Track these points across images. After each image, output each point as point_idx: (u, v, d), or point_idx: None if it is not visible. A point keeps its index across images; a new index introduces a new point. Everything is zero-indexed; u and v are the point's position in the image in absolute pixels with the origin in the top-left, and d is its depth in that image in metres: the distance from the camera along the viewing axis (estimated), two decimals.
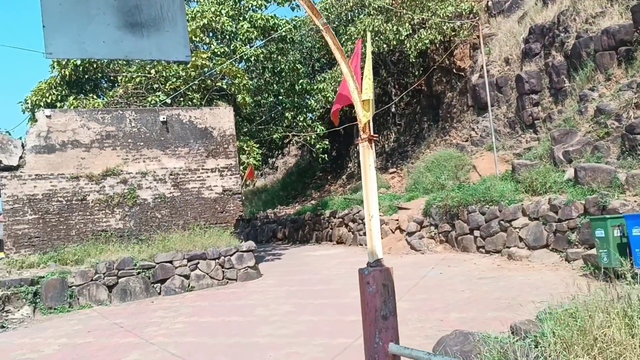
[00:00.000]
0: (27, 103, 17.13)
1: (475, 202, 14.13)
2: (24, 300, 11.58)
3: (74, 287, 12.16)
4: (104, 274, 12.45)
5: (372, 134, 3.62)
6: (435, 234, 15.77)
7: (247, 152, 16.11)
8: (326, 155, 21.08)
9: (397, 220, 17.14)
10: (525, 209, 12.60)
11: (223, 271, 13.60)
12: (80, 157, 13.90)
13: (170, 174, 14.73)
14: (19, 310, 11.31)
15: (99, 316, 11.05)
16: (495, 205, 13.50)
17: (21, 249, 13.12)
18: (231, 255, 13.75)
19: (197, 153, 15.07)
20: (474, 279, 10.76)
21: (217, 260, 13.52)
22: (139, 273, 12.74)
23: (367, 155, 3.63)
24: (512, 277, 10.57)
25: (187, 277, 13.18)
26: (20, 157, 13.31)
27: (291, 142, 35.84)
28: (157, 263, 13.02)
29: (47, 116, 13.64)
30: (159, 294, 12.92)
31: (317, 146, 19.76)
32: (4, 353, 8.53)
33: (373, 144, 3.65)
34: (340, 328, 8.09)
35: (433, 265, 12.98)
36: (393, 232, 17.20)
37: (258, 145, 16.86)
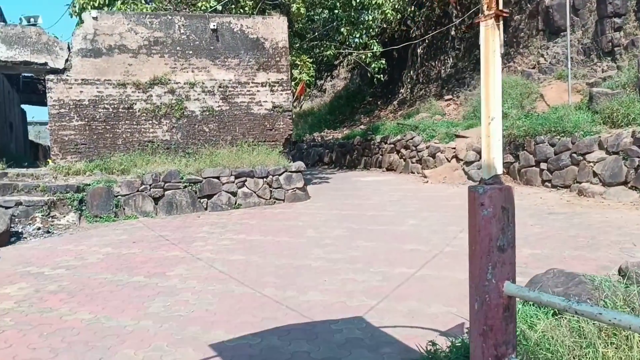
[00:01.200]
0: (75, 6, 16.43)
1: (544, 133, 12.97)
2: (70, 207, 11.37)
3: (119, 196, 11.88)
4: (150, 185, 12.10)
5: (500, 9, 2.71)
6: None
7: (299, 67, 15.16)
8: (382, 75, 19.88)
9: (454, 148, 16.16)
10: (603, 141, 11.42)
11: (271, 191, 13.08)
12: (127, 64, 13.27)
13: (219, 86, 14.00)
14: (64, 217, 11.11)
15: (145, 227, 10.75)
16: (568, 136, 12.34)
17: (67, 156, 12.84)
18: (279, 174, 13.16)
19: (247, 65, 14.22)
20: (543, 214, 9.87)
21: (264, 179, 12.97)
22: (185, 187, 12.34)
23: (491, 38, 2.73)
24: (587, 214, 9.63)
25: (234, 194, 12.73)
26: (67, 60, 12.76)
27: (342, 64, 34.50)
28: (204, 178, 12.57)
29: (93, 18, 12.94)
30: (205, 209, 12.55)
31: (373, 65, 18.55)
32: (48, 258, 8.28)
33: (501, 23, 2.74)
34: (399, 257, 7.44)
35: None
36: (449, 161, 16.26)
37: (310, 60, 15.86)
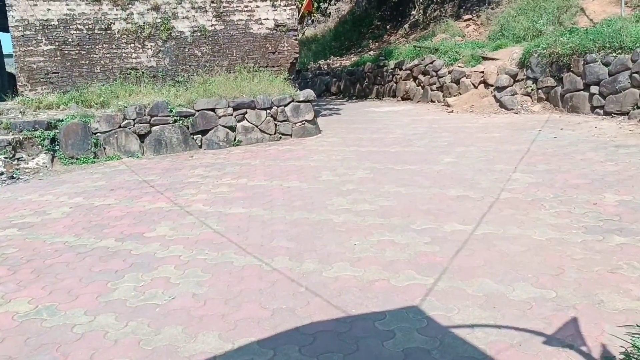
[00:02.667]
0: None
1: (597, 50, 10.98)
2: (40, 147, 9.64)
3: (98, 134, 10.12)
4: (134, 120, 10.31)
5: None
6: (532, 89, 12.83)
7: None
8: None
9: (482, 72, 14.18)
10: None
11: (276, 124, 11.27)
12: None
13: (212, 1, 11.92)
14: (33, 159, 9.40)
15: (128, 170, 9.07)
16: (627, 53, 10.37)
17: (37, 87, 10.99)
18: (285, 105, 11.32)
19: None
20: (609, 147, 8.10)
21: (268, 111, 11.15)
22: (175, 121, 10.55)
23: None
24: None
25: (232, 128, 10.94)
26: None
27: None
28: (197, 110, 10.75)
29: None
30: (200, 147, 10.82)
31: None
32: (1, 213, 6.64)
33: None
34: (444, 206, 5.76)
35: (539, 128, 10.29)
36: (476, 87, 14.32)
37: None
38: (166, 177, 8.31)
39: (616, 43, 10.60)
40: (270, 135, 11.22)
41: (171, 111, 10.50)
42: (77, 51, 11.09)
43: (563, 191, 6.04)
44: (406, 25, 27.37)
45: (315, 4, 14.03)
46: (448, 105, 14.39)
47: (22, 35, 10.72)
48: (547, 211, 5.39)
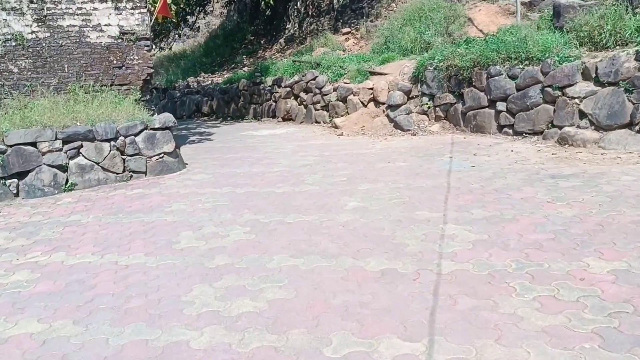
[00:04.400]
0: None
1: (502, 61, 9.68)
2: None
3: None
4: None
5: None
6: (429, 107, 11.36)
7: None
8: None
9: (372, 89, 12.55)
10: (590, 69, 8.32)
11: (124, 159, 8.68)
12: None
13: (31, 1, 9.08)
14: None
15: None
16: (536, 64, 9.13)
17: None
18: (136, 134, 8.77)
19: None
20: (544, 179, 6.56)
21: (113, 143, 8.53)
22: None
23: None
24: (605, 175, 6.45)
25: (63, 168, 8.19)
26: None
27: None
28: (10, 146, 7.88)
29: None
30: (16, 195, 7.95)
31: None
32: None
33: None
34: (370, 298, 3.74)
35: (448, 154, 8.68)
36: (366, 105, 12.66)
37: None
38: None
39: (522, 53, 9.34)
40: (117, 174, 8.60)
41: None
42: None
43: (525, 256, 4.23)
44: (282, 40, 25.66)
45: (174, 8, 11.54)
46: (336, 127, 12.57)
47: None
48: (522, 299, 3.52)
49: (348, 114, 12.93)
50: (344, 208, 6.00)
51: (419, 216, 5.47)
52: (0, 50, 8.94)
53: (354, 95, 12.89)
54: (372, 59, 14.06)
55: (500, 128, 9.72)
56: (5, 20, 8.94)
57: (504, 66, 9.61)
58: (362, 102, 12.68)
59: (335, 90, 13.54)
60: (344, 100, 13.17)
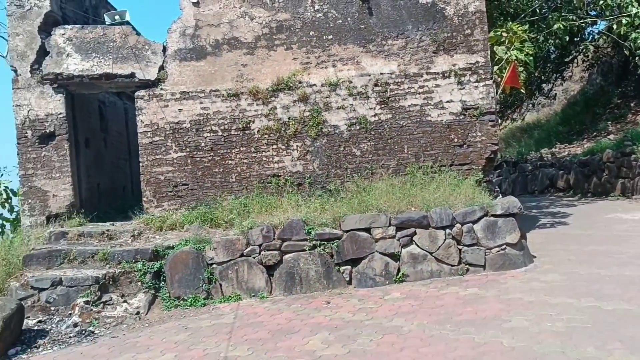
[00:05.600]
0: None
1: None
2: (139, 284, 7.40)
3: (214, 265, 7.59)
4: (259, 245, 7.61)
5: None
6: None
7: (505, 41, 9.40)
8: None
9: None
10: None
11: (460, 250, 7.59)
12: (240, 64, 9.13)
13: (375, 84, 9.06)
14: (126, 301, 7.15)
15: (228, 326, 6.22)
16: None
17: (164, 202, 9.07)
18: (474, 221, 7.61)
19: (418, 47, 9.05)
20: None
21: (448, 230, 7.57)
22: (314, 247, 7.57)
23: None
24: None
25: (395, 257, 7.56)
26: (161, 68, 9.10)
27: (575, 61, 26.78)
28: (345, 231, 7.66)
29: (193, 3, 9.13)
30: (349, 282, 7.62)
31: (633, 36, 11.62)
32: None
33: None
34: None
35: None
36: None
37: (526, 29, 9.85)
38: (262, 350, 5.21)
39: None
40: (452, 266, 7.53)
41: (309, 233, 7.58)
42: (209, 157, 9.06)
43: None
44: None
45: (522, 77, 10.21)
46: None
47: (151, 142, 9.08)
48: None
49: None
50: None
51: None
52: (346, 134, 9.10)
53: None
54: None
55: None
56: (352, 105, 9.09)
57: None
58: None
59: None
60: None
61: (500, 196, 9.04)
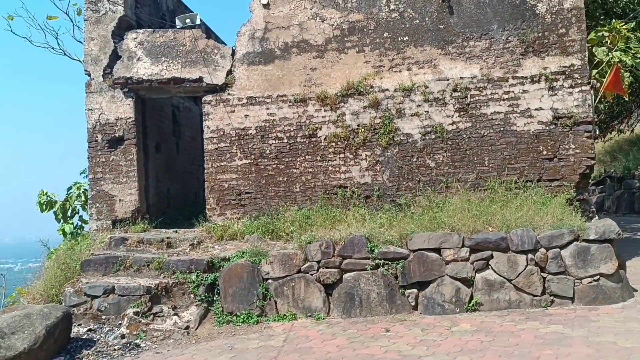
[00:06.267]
0: None
1: None
2: (192, 296, 7.09)
3: (270, 280, 7.14)
4: (317, 262, 7.08)
5: None
6: None
7: (606, 41, 8.24)
8: None
9: None
10: None
11: (544, 278, 6.64)
12: (309, 68, 8.68)
13: (454, 90, 8.26)
14: (176, 314, 6.85)
15: (295, 348, 5.73)
16: None
17: (227, 210, 8.76)
18: (562, 246, 6.64)
19: (503, 49, 8.15)
20: None
21: (530, 256, 6.65)
22: (377, 266, 6.92)
23: None
24: None
25: (467, 282, 6.75)
26: (229, 72, 8.83)
27: None
28: (413, 251, 6.95)
29: (263, 5, 8.79)
30: (414, 308, 6.90)
31: None
32: None
33: None
34: None
35: None
36: None
37: (632, 27, 8.60)
38: None
39: None
40: (534, 296, 6.60)
41: (371, 251, 6.94)
42: (274, 165, 8.65)
43: None
44: None
45: (627, 81, 8.96)
46: None
47: (216, 149, 8.82)
48: None
49: None
50: None
51: None
52: (419, 144, 8.35)
53: None
54: None
55: None
56: (427, 112, 8.34)
57: None
58: None
59: None
60: None
61: (596, 218, 7.90)
